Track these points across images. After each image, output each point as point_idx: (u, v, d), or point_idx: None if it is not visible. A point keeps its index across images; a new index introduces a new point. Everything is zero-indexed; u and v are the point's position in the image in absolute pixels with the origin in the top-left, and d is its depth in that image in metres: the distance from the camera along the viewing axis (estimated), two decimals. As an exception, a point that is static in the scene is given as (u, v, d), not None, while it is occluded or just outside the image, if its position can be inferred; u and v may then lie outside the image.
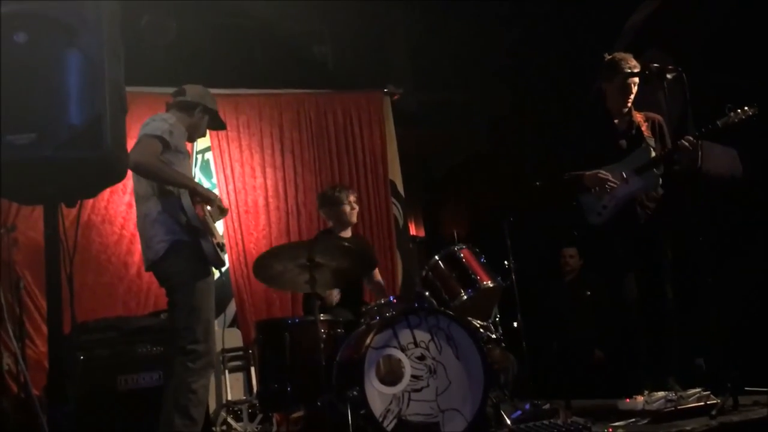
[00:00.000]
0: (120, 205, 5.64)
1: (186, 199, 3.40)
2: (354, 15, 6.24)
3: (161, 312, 4.51)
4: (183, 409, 3.27)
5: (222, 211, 3.69)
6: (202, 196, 3.52)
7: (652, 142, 4.06)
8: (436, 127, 7.32)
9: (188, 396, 3.29)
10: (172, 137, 3.47)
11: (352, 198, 4.80)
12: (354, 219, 4.83)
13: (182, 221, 3.39)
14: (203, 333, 3.39)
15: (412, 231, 7.27)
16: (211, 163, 6.15)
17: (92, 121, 1.91)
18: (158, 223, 3.43)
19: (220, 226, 5.88)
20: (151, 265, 3.49)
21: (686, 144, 3.78)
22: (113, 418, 3.82)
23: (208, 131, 6.08)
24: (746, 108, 3.73)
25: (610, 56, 4.11)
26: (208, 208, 3.57)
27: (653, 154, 4.00)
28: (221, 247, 3.52)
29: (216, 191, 6.01)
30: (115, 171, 2.08)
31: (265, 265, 3.81)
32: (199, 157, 6.19)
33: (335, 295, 4.49)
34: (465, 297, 3.95)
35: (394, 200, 6.73)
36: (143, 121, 3.53)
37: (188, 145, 3.81)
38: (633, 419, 3.39)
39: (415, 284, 4.21)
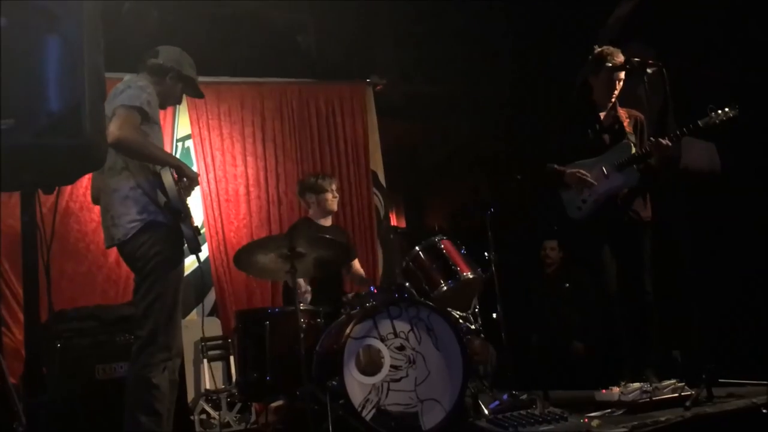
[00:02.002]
0: (99, 193, 5.59)
1: (168, 178, 3.13)
2: (339, 5, 6.20)
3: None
4: (147, 405, 3.06)
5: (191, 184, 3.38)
6: (184, 175, 3.25)
7: (633, 138, 4.09)
8: (420, 119, 7.32)
9: (150, 391, 3.07)
10: (150, 107, 3.20)
11: (334, 186, 4.81)
12: (335, 207, 4.86)
13: (160, 201, 3.13)
14: (164, 324, 3.13)
15: (394, 222, 7.28)
16: (192, 151, 6.11)
17: (71, 108, 1.89)
18: (130, 201, 3.14)
19: (199, 213, 5.87)
20: (118, 244, 3.19)
21: (664, 143, 3.81)
22: (91, 407, 3.79)
23: (188, 118, 6.02)
24: (727, 110, 3.77)
25: (599, 50, 4.13)
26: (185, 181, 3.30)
27: (634, 150, 4.03)
28: (198, 231, 3.28)
29: (196, 179, 5.97)
30: (93, 158, 2.06)
31: (245, 257, 3.81)
32: (180, 144, 6.15)
33: (304, 289, 4.42)
34: (445, 288, 3.97)
35: (375, 191, 6.75)
36: None
37: (163, 127, 3.61)
38: (609, 410, 3.43)
39: (395, 275, 4.22)
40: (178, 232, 3.17)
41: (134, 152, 3.14)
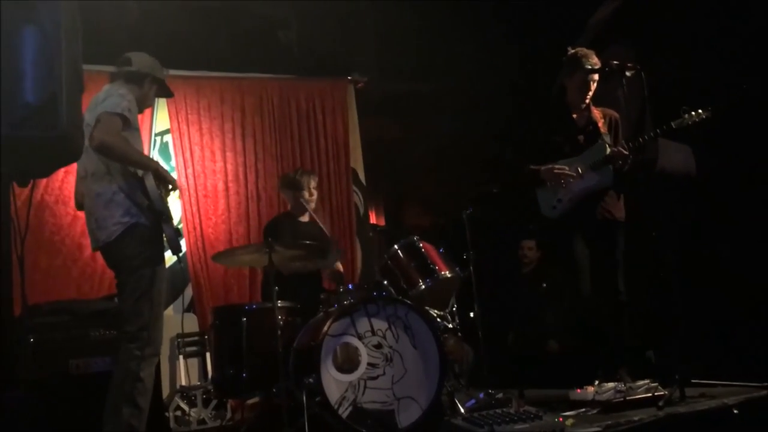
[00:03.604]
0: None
1: (150, 181, 3.29)
2: (321, 1, 6.19)
3: (115, 295, 4.44)
4: (130, 398, 3.18)
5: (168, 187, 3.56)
6: (165, 179, 3.42)
7: (608, 138, 4.14)
8: (401, 117, 7.32)
9: (135, 384, 3.20)
10: (131, 114, 3.36)
11: (313, 183, 4.80)
12: (312, 205, 4.84)
13: (143, 203, 3.28)
14: (152, 320, 3.30)
15: (373, 220, 7.28)
16: (170, 146, 6.06)
17: (48, 100, 1.87)
18: (114, 204, 3.30)
19: (177, 209, 5.83)
20: (102, 246, 3.37)
21: (616, 151, 3.88)
22: (65, 403, 3.75)
23: (167, 112, 6.00)
24: (700, 111, 3.83)
25: (572, 51, 4.17)
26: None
27: (608, 150, 4.08)
28: (179, 232, 3.46)
29: (174, 174, 5.94)
30: (70, 150, 2.04)
31: (223, 256, 3.85)
32: (158, 139, 6.10)
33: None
34: (423, 286, 3.98)
35: (355, 188, 6.74)
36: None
37: (142, 122, 3.72)
38: (583, 409, 3.46)
39: (374, 273, 4.22)
40: (159, 232, 3.33)
41: (118, 155, 3.29)
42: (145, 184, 3.29)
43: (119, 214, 3.29)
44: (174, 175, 5.94)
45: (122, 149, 3.27)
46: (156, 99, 3.93)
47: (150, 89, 3.65)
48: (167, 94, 3.89)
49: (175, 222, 5.84)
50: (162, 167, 3.54)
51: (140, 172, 3.34)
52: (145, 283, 3.30)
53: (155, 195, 3.28)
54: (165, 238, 3.34)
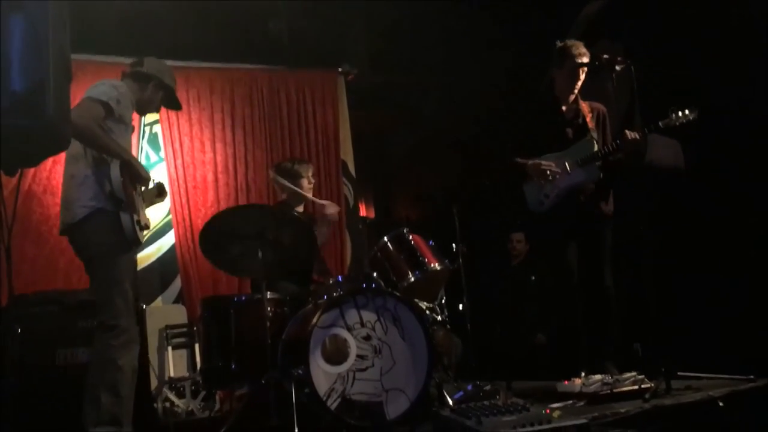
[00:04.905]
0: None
1: (115, 169, 3.28)
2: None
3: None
4: (111, 387, 3.15)
5: (161, 194, 3.59)
6: (133, 171, 3.38)
7: (595, 134, 4.14)
8: (391, 109, 7.32)
9: (115, 374, 3.17)
10: (119, 106, 3.35)
11: (310, 172, 4.75)
12: (310, 194, 4.80)
13: (107, 189, 3.26)
14: (124, 307, 3.27)
15: (363, 212, 7.29)
16: (160, 136, 6.03)
17: (35, 88, 1.86)
18: (84, 187, 3.29)
19: (166, 200, 5.79)
20: (67, 228, 3.35)
21: (634, 136, 3.87)
22: (52, 393, 3.74)
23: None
24: (687, 111, 3.84)
25: (562, 44, 4.17)
26: (143, 188, 3.48)
27: (596, 147, 4.08)
28: (141, 225, 3.37)
29: (164, 165, 5.91)
30: (57, 140, 2.02)
31: (213, 239, 3.79)
32: (147, 129, 6.07)
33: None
34: (413, 279, 3.98)
35: (345, 180, 6.74)
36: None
37: (135, 117, 3.71)
38: (570, 401, 3.48)
39: (363, 265, 4.22)
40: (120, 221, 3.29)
41: (86, 139, 3.27)
42: (110, 169, 3.27)
43: (87, 197, 3.28)
44: (162, 165, 5.92)
45: (92, 133, 3.23)
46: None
47: (155, 94, 3.66)
48: (175, 106, 3.88)
49: (163, 214, 5.90)
50: (135, 160, 3.50)
51: (110, 159, 3.31)
52: (113, 271, 3.27)
53: (117, 182, 3.26)
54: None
